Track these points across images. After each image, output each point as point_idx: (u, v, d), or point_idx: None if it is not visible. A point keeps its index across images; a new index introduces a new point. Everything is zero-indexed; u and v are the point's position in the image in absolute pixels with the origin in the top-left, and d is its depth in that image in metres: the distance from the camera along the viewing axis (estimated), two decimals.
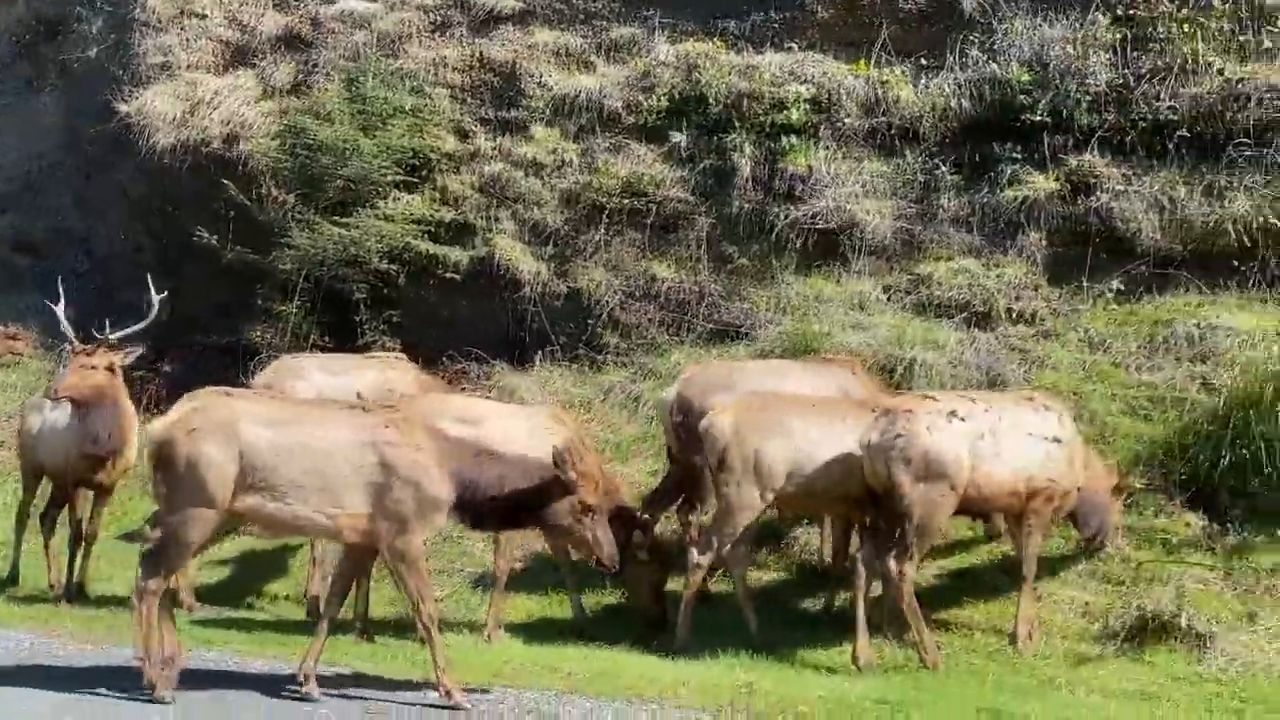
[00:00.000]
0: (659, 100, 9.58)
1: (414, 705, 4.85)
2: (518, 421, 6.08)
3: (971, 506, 5.63)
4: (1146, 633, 5.47)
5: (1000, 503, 5.58)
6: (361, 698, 4.97)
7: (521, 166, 9.68)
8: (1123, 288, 7.88)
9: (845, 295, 8.50)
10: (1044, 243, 8.21)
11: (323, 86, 10.34)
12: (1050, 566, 6.15)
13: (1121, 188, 8.06)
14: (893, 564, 5.39)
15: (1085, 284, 7.98)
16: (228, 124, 10.53)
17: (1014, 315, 7.98)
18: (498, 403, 6.99)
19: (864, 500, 5.64)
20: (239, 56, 11.12)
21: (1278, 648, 5.27)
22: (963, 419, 5.49)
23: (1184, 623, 5.33)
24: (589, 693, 4.96)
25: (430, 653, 4.93)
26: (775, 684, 5.05)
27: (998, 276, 8.15)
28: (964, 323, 8.02)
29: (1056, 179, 8.27)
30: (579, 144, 9.66)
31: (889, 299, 8.41)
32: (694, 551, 5.82)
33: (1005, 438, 5.51)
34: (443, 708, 4.81)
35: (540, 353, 9.10)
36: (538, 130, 9.79)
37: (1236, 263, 7.60)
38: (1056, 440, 5.58)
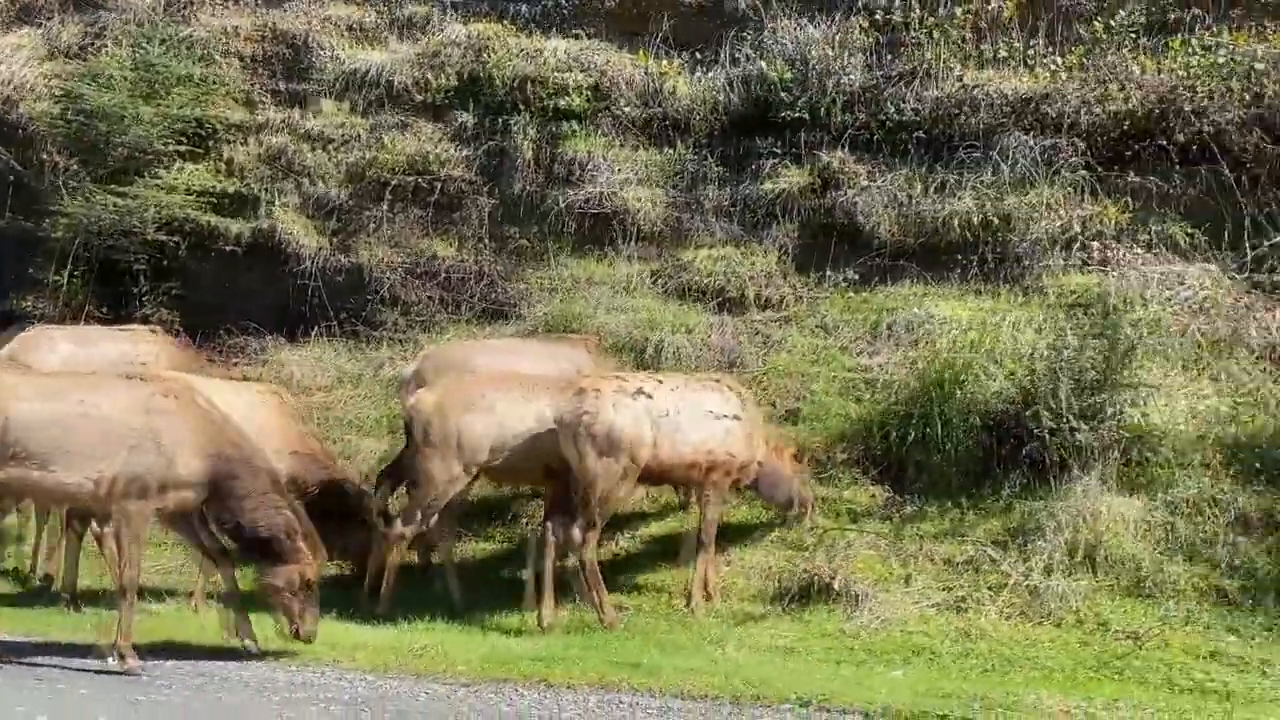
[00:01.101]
0: (448, 79, 9.71)
1: (89, 671, 4.96)
2: (236, 396, 6.20)
3: (655, 478, 6.03)
4: (811, 594, 5.98)
5: (681, 474, 6.00)
6: (34, 664, 5.06)
7: (308, 140, 9.71)
8: (858, 277, 8.42)
9: (614, 278, 8.84)
10: (795, 234, 8.69)
11: (110, 51, 10.12)
12: (745, 534, 6.63)
13: (865, 184, 8.59)
14: (576, 532, 5.75)
15: (827, 274, 8.50)
16: (8, 84, 10.22)
17: (762, 301, 8.44)
18: (225, 380, 7.07)
19: (560, 473, 5.97)
20: (24, 14, 10.78)
21: (921, 605, 5.83)
22: (649, 397, 5.87)
23: (838, 585, 5.85)
24: (265, 660, 5.18)
25: (120, 617, 5.05)
26: (452, 646, 5.35)
27: (751, 264, 8.60)
28: (717, 307, 8.45)
29: (809, 174, 8.76)
30: (367, 119, 9.73)
31: (654, 283, 8.78)
32: (397, 523, 6.07)
33: (687, 415, 5.92)
34: (116, 673, 4.95)
35: (318, 328, 9.18)
36: (326, 104, 9.82)
37: (960, 256, 8.20)
38: (736, 418, 6.02)
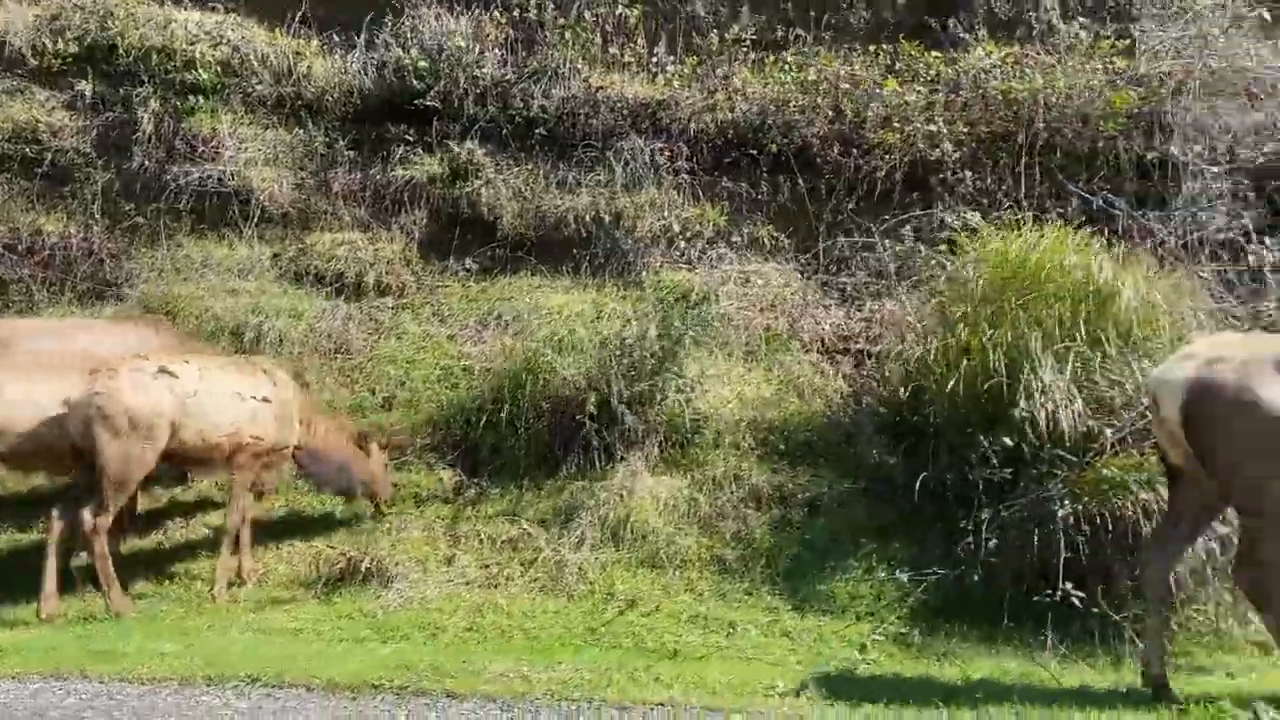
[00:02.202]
0: (67, 45, 9.09)
1: None
2: None
3: (179, 459, 5.86)
4: (348, 577, 5.99)
5: (206, 456, 5.86)
6: None
7: None
8: (479, 268, 8.56)
9: (233, 260, 8.55)
10: (423, 222, 8.72)
11: None
12: (312, 523, 6.59)
13: (493, 176, 8.73)
14: (88, 516, 5.50)
15: (450, 263, 8.59)
16: None
17: (383, 288, 8.41)
18: None
19: (80, 455, 5.69)
20: None
21: (454, 583, 5.97)
22: (174, 377, 5.69)
23: (368, 566, 5.90)
24: None
25: None
26: None
27: (375, 251, 8.55)
28: (335, 293, 8.34)
29: (440, 163, 8.82)
30: None
31: (274, 266, 8.56)
32: None
33: (212, 397, 5.79)
34: None
35: None
36: None
37: (575, 250, 8.49)
38: (265, 400, 5.95)
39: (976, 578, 5.29)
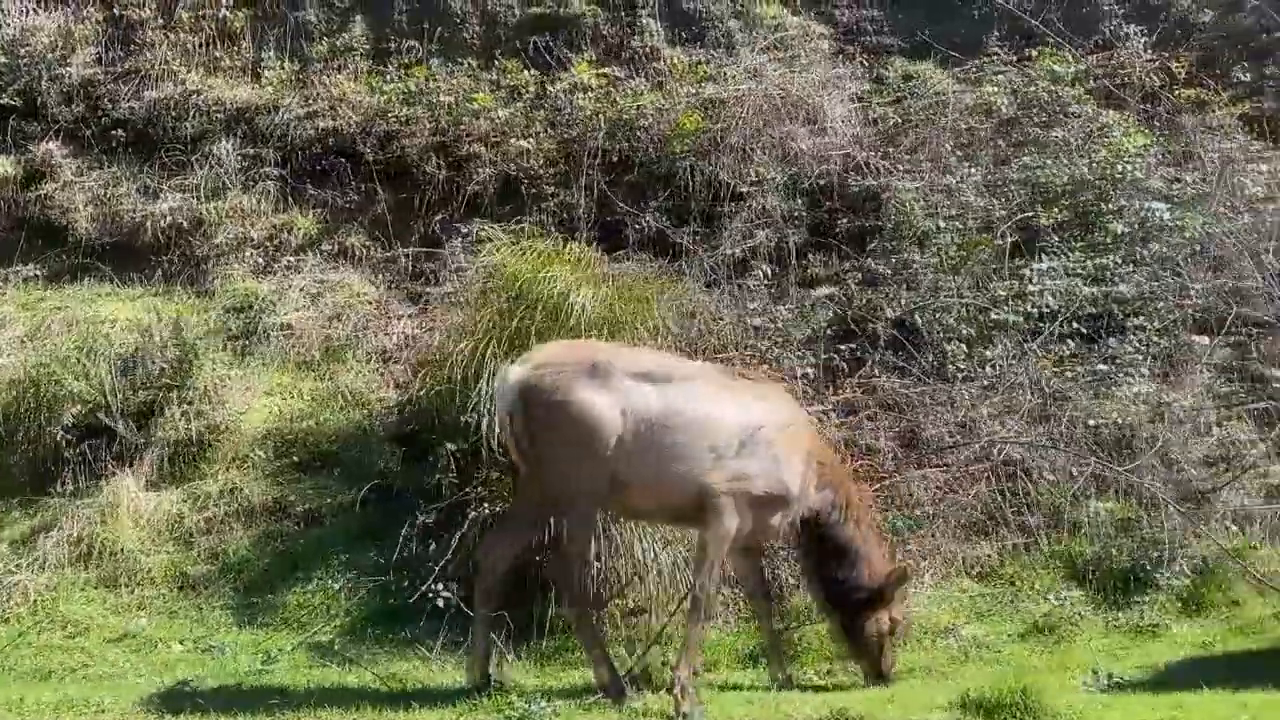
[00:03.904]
0: None
1: None
2: None
3: None
4: None
5: None
6: None
7: None
8: (47, 274, 8.12)
9: None
10: None
11: None
12: None
13: (72, 179, 8.32)
14: None
15: (17, 269, 8.11)
16: None
17: None
18: None
19: None
20: None
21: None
22: None
23: None
24: None
25: None
26: None
27: None
28: None
29: (16, 164, 8.34)
30: None
31: None
32: None
33: None
34: None
35: None
36: None
37: (152, 257, 8.17)
38: None
39: (405, 583, 5.30)
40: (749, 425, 4.41)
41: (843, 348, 6.62)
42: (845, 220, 7.94)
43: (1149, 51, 8.32)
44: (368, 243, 8.34)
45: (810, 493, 4.55)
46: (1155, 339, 6.62)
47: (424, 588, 4.69)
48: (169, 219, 8.19)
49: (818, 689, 4.62)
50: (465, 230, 8.08)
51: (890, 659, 4.66)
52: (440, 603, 4.73)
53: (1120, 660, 4.85)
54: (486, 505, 5.18)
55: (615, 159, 8.41)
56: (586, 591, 4.47)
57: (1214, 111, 8.31)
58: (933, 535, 5.67)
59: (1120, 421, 6.02)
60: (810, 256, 7.89)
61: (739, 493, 4.35)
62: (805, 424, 4.80)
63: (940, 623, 5.25)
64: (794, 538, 4.70)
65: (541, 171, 8.37)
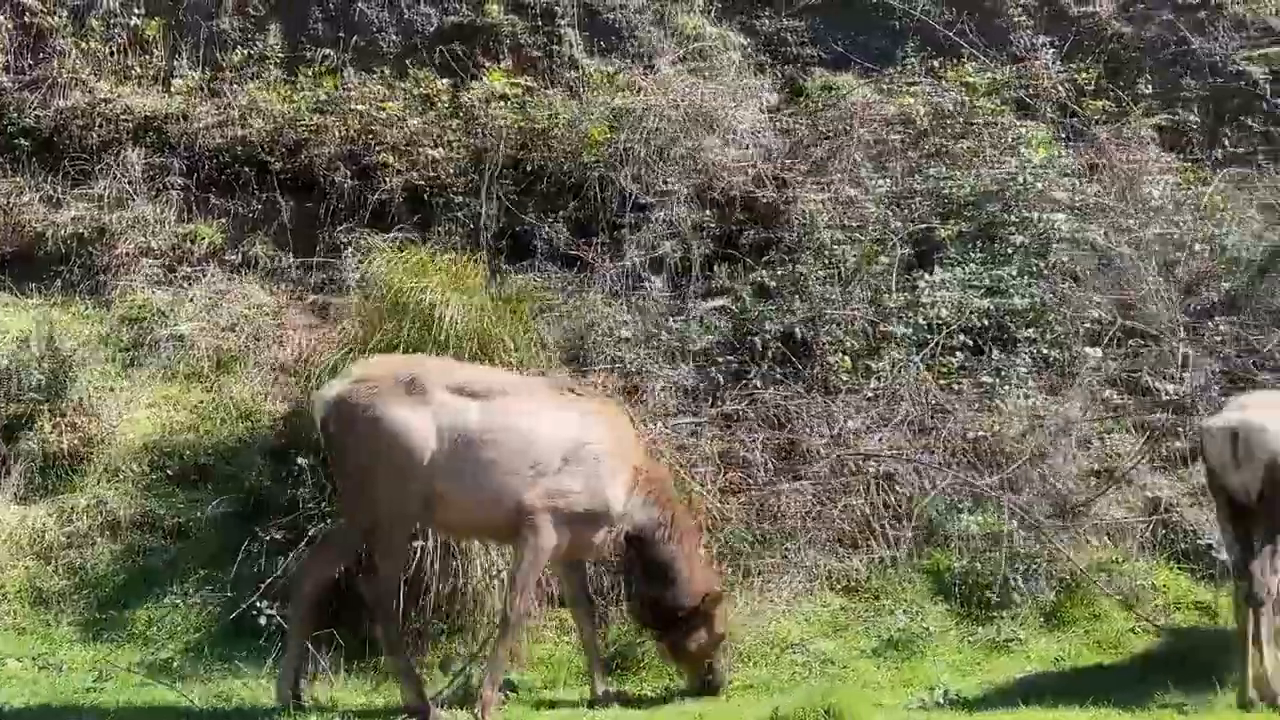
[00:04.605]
0: None
1: None
2: None
3: None
4: None
5: None
6: None
7: None
8: None
9: None
10: None
11: None
12: None
13: None
14: None
15: None
16: None
17: None
18: None
19: None
20: None
21: None
22: None
23: None
24: None
25: None
26: None
27: None
28: None
29: None
30: None
31: None
32: None
33: None
34: None
35: None
36: None
37: (53, 268, 8.06)
38: None
39: (257, 601, 5.19)
40: (572, 441, 4.30)
41: (722, 361, 6.52)
42: (752, 232, 7.86)
43: (1058, 64, 8.24)
44: (272, 253, 8.24)
45: (635, 510, 4.44)
46: (1046, 350, 6.51)
47: (244, 605, 4.58)
48: (71, 228, 8.10)
49: (635, 703, 4.50)
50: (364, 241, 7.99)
51: (718, 675, 4.56)
52: (263, 620, 4.61)
53: (967, 676, 4.74)
54: (329, 521, 5.07)
55: (529, 169, 8.34)
56: (397, 612, 4.37)
57: (1130, 123, 8.24)
58: (798, 549, 5.55)
59: (998, 434, 5.90)
60: (715, 268, 7.80)
61: (558, 509, 4.25)
62: (633, 440, 4.70)
63: (790, 637, 5.13)
64: (617, 555, 4.59)
65: (451, 181, 8.29)
